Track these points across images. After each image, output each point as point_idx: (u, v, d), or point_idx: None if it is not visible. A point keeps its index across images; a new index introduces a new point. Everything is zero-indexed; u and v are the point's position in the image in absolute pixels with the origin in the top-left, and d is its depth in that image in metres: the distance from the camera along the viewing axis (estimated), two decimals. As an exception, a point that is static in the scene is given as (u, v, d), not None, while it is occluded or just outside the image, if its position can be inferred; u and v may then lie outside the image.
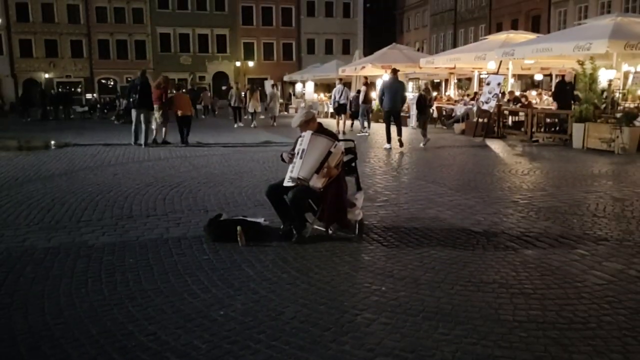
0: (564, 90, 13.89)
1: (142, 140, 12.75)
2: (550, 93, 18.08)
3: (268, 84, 26.07)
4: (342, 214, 4.86)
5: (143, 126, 12.80)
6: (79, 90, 42.22)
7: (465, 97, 20.65)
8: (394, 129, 12.20)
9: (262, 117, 22.96)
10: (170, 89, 13.63)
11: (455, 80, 23.77)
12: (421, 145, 12.53)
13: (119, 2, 42.96)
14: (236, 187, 7.53)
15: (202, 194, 7.03)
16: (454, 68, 20.13)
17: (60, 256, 4.46)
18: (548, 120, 13.81)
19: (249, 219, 5.15)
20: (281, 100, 27.40)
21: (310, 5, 47.35)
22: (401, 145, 12.09)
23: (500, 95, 14.85)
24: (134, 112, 13.15)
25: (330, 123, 16.62)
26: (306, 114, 5.04)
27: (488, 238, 4.93)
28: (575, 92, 13.33)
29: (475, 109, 16.64)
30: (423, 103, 13.18)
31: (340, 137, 7.87)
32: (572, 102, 13.08)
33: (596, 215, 5.79)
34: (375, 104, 17.42)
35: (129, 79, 32.58)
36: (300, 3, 46.93)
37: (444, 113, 19.70)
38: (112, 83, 44.09)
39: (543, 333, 3.03)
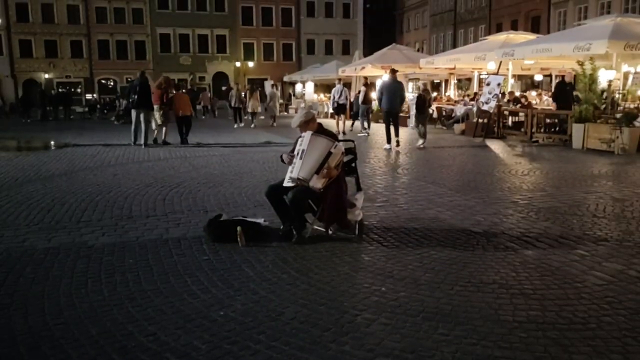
0: (564, 91, 13.91)
1: (141, 141, 12.76)
2: (550, 93, 18.08)
3: (268, 85, 26.07)
4: (342, 215, 4.86)
5: (143, 126, 12.81)
6: (78, 90, 42.21)
7: (465, 98, 20.65)
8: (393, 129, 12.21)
9: (262, 117, 22.97)
10: (170, 90, 13.63)
11: (455, 81, 23.77)
12: (419, 145, 12.54)
13: (118, 3, 42.95)
14: (236, 187, 7.53)
15: (201, 195, 7.03)
16: (454, 68, 20.15)
17: (60, 256, 4.46)
18: (548, 120, 13.81)
19: (248, 219, 5.14)
20: (281, 101, 27.41)
21: (310, 6, 47.33)
22: (397, 145, 12.12)
23: (500, 95, 14.85)
24: (133, 113, 13.16)
25: (330, 123, 16.62)
26: (306, 115, 5.04)
27: (488, 238, 4.93)
28: (575, 93, 13.35)
29: (475, 109, 16.66)
30: (422, 103, 13.19)
31: (340, 137, 7.87)
32: (572, 102, 13.09)
33: (596, 215, 5.79)
34: (375, 104, 17.43)
35: (129, 79, 32.67)
36: (300, 3, 46.92)
37: (444, 113, 19.71)
38: (112, 83, 44.09)
39: (543, 333, 3.03)
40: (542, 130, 13.63)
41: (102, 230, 5.29)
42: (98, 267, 4.19)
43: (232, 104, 20.84)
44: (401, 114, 13.66)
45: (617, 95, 12.87)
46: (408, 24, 50.11)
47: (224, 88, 40.62)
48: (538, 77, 24.50)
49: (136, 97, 12.77)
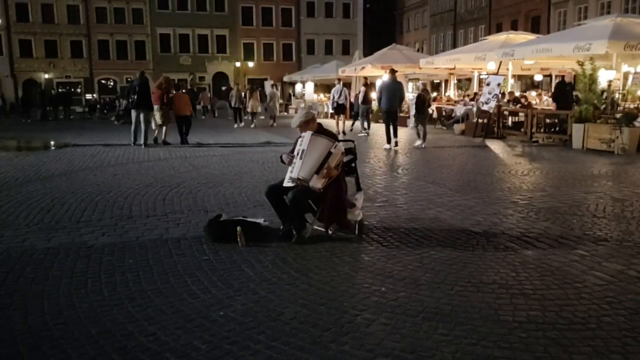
0: (564, 91, 13.91)
1: (141, 141, 12.76)
2: (550, 94, 18.09)
3: (268, 85, 26.06)
4: (342, 215, 4.86)
5: (143, 127, 12.81)
6: (78, 90, 42.21)
7: (465, 98, 20.66)
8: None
9: (262, 117, 22.97)
10: (171, 90, 13.63)
11: (455, 81, 23.78)
12: (417, 144, 12.54)
13: (118, 3, 42.95)
14: (236, 187, 7.53)
15: (201, 195, 7.03)
16: (454, 68, 20.15)
17: (60, 256, 4.46)
18: (548, 120, 13.81)
19: (248, 219, 5.14)
20: (281, 101, 27.41)
21: (310, 6, 47.33)
22: (395, 145, 12.12)
23: (500, 95, 14.86)
24: (133, 113, 13.17)
25: (329, 123, 16.61)
26: (306, 115, 5.04)
27: (488, 239, 4.93)
28: (575, 93, 13.35)
29: (475, 109, 16.66)
30: (422, 103, 13.19)
31: (340, 137, 7.87)
32: (572, 102, 13.09)
33: (596, 215, 5.79)
34: (375, 104, 17.44)
35: (129, 79, 32.61)
36: (300, 3, 46.92)
37: (444, 113, 19.71)
38: (111, 83, 44.09)
39: (543, 334, 3.03)
40: (542, 130, 13.64)
41: (102, 230, 5.29)
42: (98, 267, 4.19)
43: (232, 104, 20.85)
44: (401, 114, 13.67)
45: (617, 96, 12.87)
46: (408, 24, 50.11)
47: (223, 88, 40.60)
48: (538, 77, 24.50)
49: (136, 97, 12.78)
